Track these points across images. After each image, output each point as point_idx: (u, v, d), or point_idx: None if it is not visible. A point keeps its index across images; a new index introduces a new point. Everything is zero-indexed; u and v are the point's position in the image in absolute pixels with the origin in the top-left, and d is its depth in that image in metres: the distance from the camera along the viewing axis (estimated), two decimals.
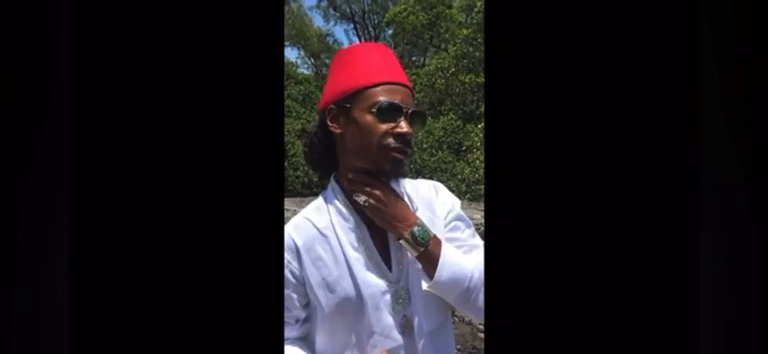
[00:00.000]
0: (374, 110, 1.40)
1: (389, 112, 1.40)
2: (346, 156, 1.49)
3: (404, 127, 1.41)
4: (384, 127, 1.40)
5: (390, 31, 23.08)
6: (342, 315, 1.42)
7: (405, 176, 1.55)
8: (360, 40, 28.31)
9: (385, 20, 23.18)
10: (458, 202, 1.64)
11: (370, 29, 28.19)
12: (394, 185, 1.53)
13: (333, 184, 1.52)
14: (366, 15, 28.11)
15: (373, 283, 1.43)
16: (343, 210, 1.48)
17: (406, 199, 1.54)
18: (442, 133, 12.99)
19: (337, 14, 29.13)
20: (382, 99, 1.41)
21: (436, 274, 1.40)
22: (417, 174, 10.44)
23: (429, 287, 1.41)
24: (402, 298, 1.45)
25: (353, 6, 28.13)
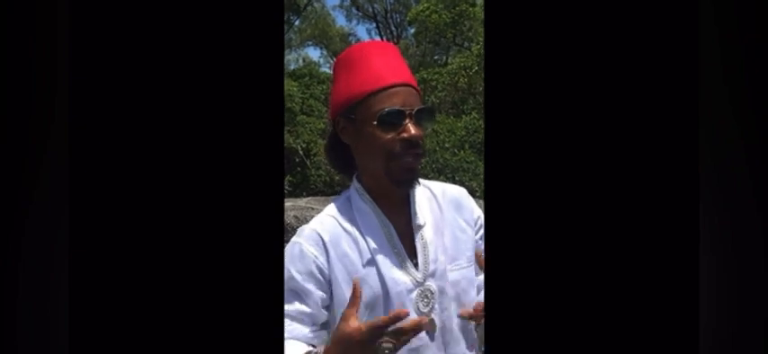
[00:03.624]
0: (375, 121, 1.39)
1: (391, 120, 1.38)
2: (362, 163, 1.50)
3: (411, 130, 1.39)
4: (389, 136, 1.39)
5: (413, 30, 23.02)
6: (367, 313, 1.40)
7: (418, 178, 1.53)
8: (382, 39, 28.26)
9: (407, 19, 23.13)
10: (478, 211, 1.63)
11: (393, 28, 28.15)
12: (419, 188, 1.54)
13: (356, 184, 1.52)
14: (389, 14, 28.06)
15: (400, 281, 1.43)
16: (369, 210, 1.48)
17: (427, 205, 1.55)
18: (464, 132, 12.93)
19: (360, 14, 29.09)
20: (382, 107, 1.39)
21: None
22: (439, 174, 10.41)
23: None
24: (427, 298, 1.45)
25: (376, 5, 28.07)
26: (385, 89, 1.40)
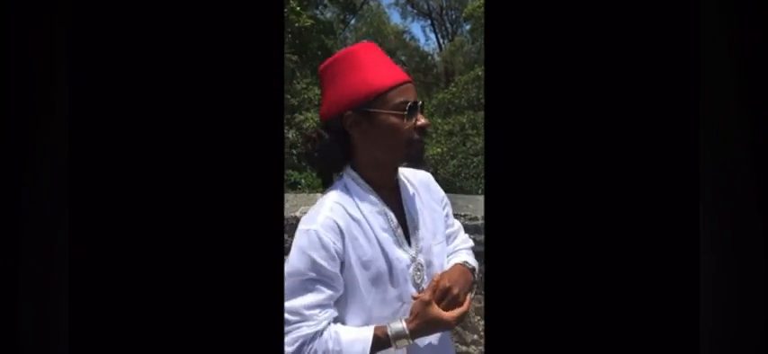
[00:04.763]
0: (402, 112, 1.60)
1: (413, 111, 1.61)
2: (368, 152, 1.68)
3: (422, 119, 1.64)
4: (409, 124, 1.60)
5: (468, 27, 22.93)
6: (374, 289, 1.61)
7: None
8: (436, 37, 28.34)
9: (463, 15, 23.05)
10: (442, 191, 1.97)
11: (448, 24, 27.95)
12: (398, 180, 1.78)
13: (352, 174, 1.69)
14: (444, 11, 27.88)
15: (401, 258, 1.65)
16: (370, 196, 1.67)
17: (409, 188, 1.81)
18: None
19: (415, 11, 28.97)
20: (403, 99, 1.61)
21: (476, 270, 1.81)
22: None
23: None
24: (420, 270, 1.69)
25: (431, 2, 27.90)
26: (402, 84, 1.62)
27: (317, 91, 13.29)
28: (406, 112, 1.60)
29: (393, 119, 1.60)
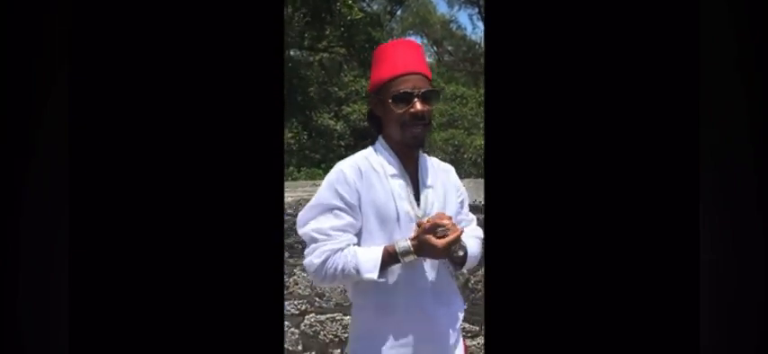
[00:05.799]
0: (390, 99, 1.89)
1: (402, 99, 1.89)
2: (386, 128, 2.00)
3: (417, 106, 1.88)
4: (401, 110, 1.89)
5: None
6: (379, 231, 1.93)
7: (424, 144, 2.02)
8: (482, 22, 27.80)
9: None
10: (462, 185, 2.24)
11: None
12: (421, 158, 2.07)
13: (381, 141, 2.03)
14: None
15: (407, 212, 1.94)
16: (391, 159, 1.99)
17: (429, 167, 2.08)
18: None
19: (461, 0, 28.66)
20: (395, 89, 1.89)
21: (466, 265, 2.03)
22: None
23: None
24: (419, 225, 1.90)
25: None
26: (400, 76, 1.91)
27: (364, 82, 14.70)
28: (391, 100, 1.90)
29: (390, 105, 1.91)
